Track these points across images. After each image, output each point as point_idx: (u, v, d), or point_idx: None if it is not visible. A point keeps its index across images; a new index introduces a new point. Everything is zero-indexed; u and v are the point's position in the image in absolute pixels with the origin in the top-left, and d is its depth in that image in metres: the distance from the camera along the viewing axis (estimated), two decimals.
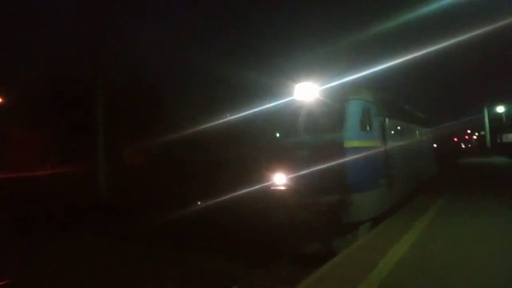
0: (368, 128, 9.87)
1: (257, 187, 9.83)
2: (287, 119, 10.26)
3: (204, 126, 11.26)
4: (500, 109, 38.00)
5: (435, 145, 21.90)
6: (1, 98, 24.84)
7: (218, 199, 10.62)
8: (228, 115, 10.87)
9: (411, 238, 6.98)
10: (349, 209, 8.91)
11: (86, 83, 22.38)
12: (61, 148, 24.84)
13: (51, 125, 25.01)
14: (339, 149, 9.07)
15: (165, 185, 14.14)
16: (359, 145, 9.44)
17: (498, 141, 37.52)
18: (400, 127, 12.83)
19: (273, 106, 10.30)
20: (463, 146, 74.63)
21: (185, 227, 11.11)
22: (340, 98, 9.60)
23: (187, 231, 11.01)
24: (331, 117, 9.57)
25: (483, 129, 39.28)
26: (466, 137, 76.51)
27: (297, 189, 9.26)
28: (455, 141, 64.35)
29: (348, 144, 9.15)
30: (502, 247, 6.05)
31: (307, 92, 9.82)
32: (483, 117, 37.51)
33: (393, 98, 13.87)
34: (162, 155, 15.70)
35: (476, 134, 64.13)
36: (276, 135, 10.62)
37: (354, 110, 9.54)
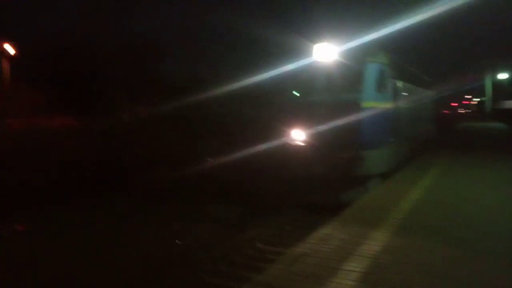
0: (383, 90, 10.51)
1: (275, 142, 10.46)
2: (306, 79, 10.79)
3: (219, 85, 11.71)
4: (503, 76, 38.46)
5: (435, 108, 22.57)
6: (15, 50, 25.17)
7: (234, 155, 11.05)
8: (243, 74, 11.30)
9: (425, 184, 8.51)
10: (362, 164, 9.67)
11: (89, 38, 22.53)
12: (63, 101, 25.10)
13: (57, 79, 25.31)
14: (356, 108, 9.70)
15: (174, 141, 14.54)
16: (374, 106, 10.10)
17: (497, 107, 38.22)
18: (408, 90, 13.44)
19: (293, 67, 10.78)
20: (462, 111, 75.13)
21: (196, 183, 11.53)
22: (358, 60, 10.12)
23: (199, 186, 11.41)
24: (350, 78, 10.13)
25: (483, 95, 39.85)
26: (465, 102, 76.99)
27: (314, 144, 9.95)
28: (453, 105, 64.84)
29: (365, 104, 9.78)
30: (492, 189, 7.93)
31: (326, 53, 10.31)
32: (483, 82, 37.97)
33: (403, 61, 14.39)
34: (172, 111, 16.01)
35: (476, 100, 64.73)
36: (295, 94, 11.19)
37: (371, 72, 10.11)
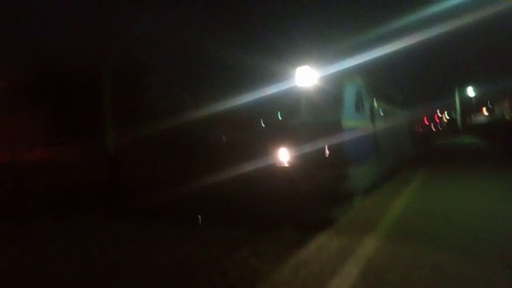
0: (361, 110, 11.14)
1: (262, 165, 10.88)
2: (289, 102, 11.34)
3: (202, 112, 12.16)
4: (470, 92, 40.39)
5: (410, 126, 23.50)
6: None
7: (223, 177, 11.39)
8: (227, 99, 11.74)
9: (408, 196, 9.22)
10: (346, 181, 10.16)
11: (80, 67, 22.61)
12: (51, 131, 24.88)
13: (44, 109, 25.07)
14: (338, 128, 10.26)
15: (164, 165, 14.82)
16: (354, 125, 10.70)
17: (468, 122, 39.87)
18: (385, 109, 14.16)
19: (276, 90, 11.32)
20: (433, 128, 77.26)
21: (188, 204, 11.81)
22: (337, 84, 10.76)
23: (191, 207, 11.66)
24: (330, 101, 10.72)
25: (453, 110, 41.55)
26: (437, 119, 79.34)
27: (299, 165, 10.41)
28: (426, 123, 66.70)
29: (346, 124, 10.36)
30: (472, 201, 8.27)
31: (307, 77, 10.91)
32: (454, 100, 39.67)
33: (378, 82, 15.17)
34: (157, 139, 16.30)
35: (446, 116, 66.80)
36: (279, 117, 11.69)
37: (349, 94, 10.75)
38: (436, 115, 70.99)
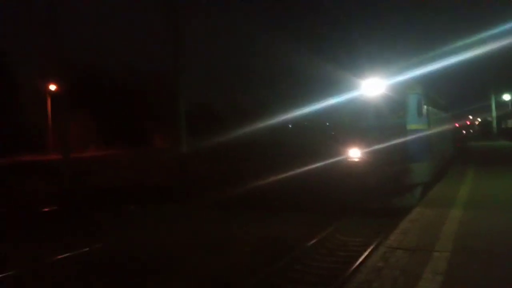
0: (421, 115, 13.16)
1: (336, 159, 12.98)
2: (360, 108, 13.40)
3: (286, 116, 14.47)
4: (507, 97, 41.52)
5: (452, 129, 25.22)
6: (56, 86, 27.47)
7: (303, 170, 13.52)
8: (304, 107, 13.84)
9: (468, 187, 11.36)
10: (409, 175, 12.16)
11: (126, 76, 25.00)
12: (105, 133, 27.02)
13: (97, 113, 27.27)
14: (402, 130, 12.27)
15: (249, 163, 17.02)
16: (416, 128, 12.70)
17: (503, 126, 40.96)
18: (435, 114, 16.10)
19: (346, 99, 13.40)
20: (464, 131, 77.59)
21: (273, 193, 14.01)
22: (401, 92, 12.78)
23: (275, 196, 13.46)
24: (395, 107, 12.76)
25: (488, 115, 42.71)
26: (468, 122, 79.55)
27: (369, 161, 12.45)
28: (458, 126, 67.44)
29: (410, 127, 12.38)
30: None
31: (374, 87, 12.97)
32: (489, 104, 40.88)
33: (430, 90, 17.09)
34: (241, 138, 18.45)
35: (479, 119, 67.44)
36: (351, 120, 13.74)
37: (412, 102, 12.77)
38: (471, 119, 71.56)
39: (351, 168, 12.53)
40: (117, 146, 24.87)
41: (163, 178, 17.37)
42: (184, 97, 18.68)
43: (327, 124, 13.95)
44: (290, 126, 16.89)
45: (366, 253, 7.32)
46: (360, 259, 6.97)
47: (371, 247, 7.77)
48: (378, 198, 11.72)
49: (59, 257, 7.67)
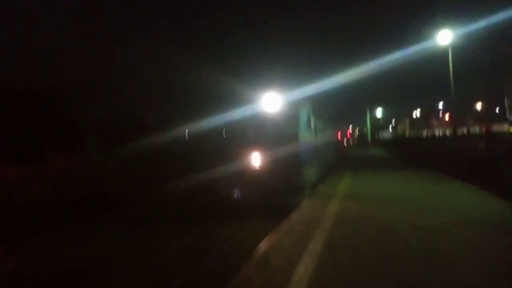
0: (309, 127, 15.56)
1: (236, 167, 14.63)
2: (257, 121, 15.28)
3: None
4: (379, 112, 48.15)
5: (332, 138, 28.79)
6: None
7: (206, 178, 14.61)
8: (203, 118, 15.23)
9: (345, 185, 13.75)
10: (300, 176, 14.33)
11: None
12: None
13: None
14: (295, 139, 14.47)
15: (146, 174, 17.59)
16: (306, 137, 15.04)
17: (376, 137, 47.11)
18: (320, 126, 18.82)
19: (248, 111, 15.20)
20: (345, 141, 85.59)
21: (170, 205, 14.12)
22: (294, 107, 14.98)
23: (173, 207, 13.88)
24: (289, 119, 14.91)
25: (364, 127, 48.88)
26: (348, 135, 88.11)
27: (267, 167, 14.34)
28: (339, 135, 74.49)
29: (301, 136, 14.64)
30: (383, 183, 13.70)
31: (272, 101, 14.97)
32: (365, 118, 46.80)
33: (316, 104, 19.82)
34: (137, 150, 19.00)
35: (358, 131, 75.54)
36: (252, 130, 15.56)
37: (303, 115, 15.09)
38: (348, 130, 79.43)
39: (251, 173, 14.25)
40: (10, 165, 22.99)
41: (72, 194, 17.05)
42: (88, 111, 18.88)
43: (226, 133, 15.36)
44: (186, 137, 17.78)
45: (277, 227, 8.87)
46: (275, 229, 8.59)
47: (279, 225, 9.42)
48: (276, 197, 13.57)
49: None
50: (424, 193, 11.29)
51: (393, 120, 56.07)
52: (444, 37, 21.23)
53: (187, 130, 16.52)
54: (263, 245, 6.62)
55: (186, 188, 14.33)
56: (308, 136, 15.49)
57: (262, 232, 9.32)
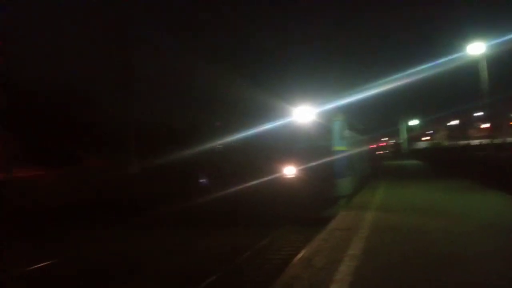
0: (343, 139, 15.67)
1: (271, 177, 14.91)
2: (291, 132, 15.56)
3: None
4: (414, 122, 47.40)
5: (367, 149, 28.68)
6: None
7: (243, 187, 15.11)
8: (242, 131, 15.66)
9: (380, 196, 13.91)
10: (335, 188, 14.44)
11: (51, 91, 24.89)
12: (30, 153, 26.17)
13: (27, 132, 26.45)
14: (330, 151, 14.61)
15: (185, 182, 18.33)
16: (340, 149, 15.14)
17: (411, 147, 46.36)
18: (354, 137, 18.88)
19: (281, 124, 15.48)
20: (381, 151, 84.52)
21: (204, 212, 14.80)
22: (328, 119, 15.16)
23: (207, 214, 14.55)
24: (322, 131, 15.09)
25: (399, 137, 48.22)
26: (384, 143, 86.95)
27: (301, 177, 14.55)
28: (375, 146, 73.65)
29: (336, 148, 14.78)
30: (417, 193, 13.78)
31: (304, 114, 15.24)
32: (401, 127, 46.22)
33: (349, 116, 19.91)
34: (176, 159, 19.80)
35: (392, 141, 74.45)
36: (285, 142, 15.84)
37: (336, 127, 15.23)
38: (384, 141, 78.49)
39: (286, 184, 14.48)
40: (45, 166, 24.21)
41: (110, 196, 17.96)
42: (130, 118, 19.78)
43: (260, 145, 15.64)
44: (219, 146, 18.41)
45: (317, 235, 9.19)
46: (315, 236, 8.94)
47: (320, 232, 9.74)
48: (310, 209, 13.73)
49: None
50: (458, 203, 11.42)
51: (429, 130, 55.32)
52: (477, 47, 21.11)
53: (223, 141, 17.10)
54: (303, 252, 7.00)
55: (222, 197, 14.94)
56: (342, 147, 15.56)
57: (299, 242, 9.81)
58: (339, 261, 5.95)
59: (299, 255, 6.92)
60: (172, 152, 20.46)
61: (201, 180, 18.49)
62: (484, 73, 21.02)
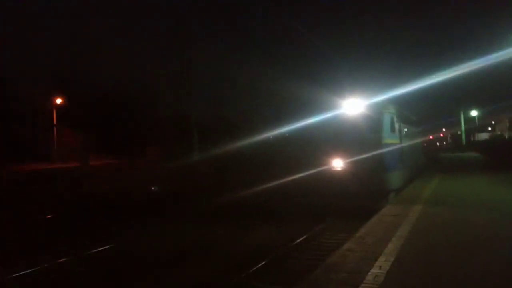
0: (394, 131, 15.39)
1: (320, 168, 14.93)
2: (341, 125, 15.47)
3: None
4: (474, 113, 45.01)
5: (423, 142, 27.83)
6: (62, 99, 29.14)
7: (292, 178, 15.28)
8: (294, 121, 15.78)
9: (432, 187, 14.09)
10: (384, 182, 14.25)
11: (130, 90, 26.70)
12: (102, 144, 28.30)
13: (98, 126, 28.67)
14: (378, 144, 14.39)
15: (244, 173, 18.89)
16: (390, 142, 14.90)
17: (471, 139, 44.18)
18: (407, 129, 18.43)
19: (331, 116, 15.41)
20: (438, 143, 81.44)
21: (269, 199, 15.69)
22: (377, 112, 14.93)
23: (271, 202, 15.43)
24: (372, 124, 14.87)
25: (458, 128, 46.05)
26: (441, 135, 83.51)
27: (350, 170, 14.47)
28: (431, 138, 71.10)
29: (385, 141, 14.56)
30: (472, 187, 13.41)
31: (353, 106, 15.09)
32: (459, 119, 44.16)
33: (402, 107, 19.44)
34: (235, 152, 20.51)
35: (451, 133, 71.36)
36: (334, 134, 15.77)
37: (386, 119, 14.99)
38: (442, 133, 75.37)
39: (334, 177, 14.49)
40: (115, 157, 26.23)
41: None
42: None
43: (309, 137, 15.65)
44: (270, 137, 18.70)
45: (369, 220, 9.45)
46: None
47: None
48: (358, 201, 13.63)
49: None
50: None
51: (491, 121, 52.21)
52: None
53: (273, 134, 17.37)
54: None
55: (273, 189, 15.25)
56: (393, 140, 15.32)
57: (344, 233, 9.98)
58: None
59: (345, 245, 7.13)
60: (227, 144, 21.11)
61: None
62: None
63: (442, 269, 5.47)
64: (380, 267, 5.57)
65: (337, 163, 14.65)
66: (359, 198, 13.41)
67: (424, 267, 5.58)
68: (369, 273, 5.37)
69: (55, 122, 26.89)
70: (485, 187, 13.85)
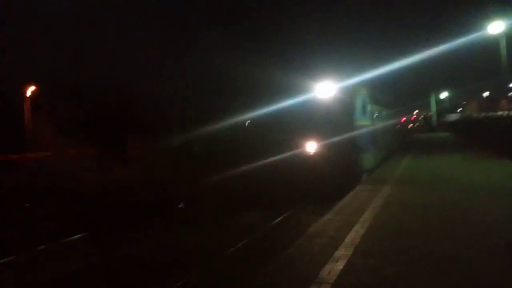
0: (366, 113, 15.63)
1: (295, 151, 15.00)
2: (314, 108, 15.54)
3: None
4: (444, 95, 46.17)
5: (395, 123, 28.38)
6: (36, 86, 28.00)
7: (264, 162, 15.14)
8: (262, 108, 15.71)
9: (403, 165, 14.50)
10: (357, 163, 14.50)
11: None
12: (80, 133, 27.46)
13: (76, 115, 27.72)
14: (351, 126, 14.59)
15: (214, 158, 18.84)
16: (362, 124, 15.12)
17: (441, 120, 45.33)
18: (379, 111, 18.75)
19: (303, 100, 15.44)
20: (411, 125, 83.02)
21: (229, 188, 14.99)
22: (349, 94, 15.08)
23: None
24: (345, 106, 15.01)
25: (430, 110, 47.18)
26: (414, 116, 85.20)
27: (323, 153, 14.60)
28: (404, 120, 72.39)
29: (357, 123, 14.77)
30: (442, 165, 14.10)
31: (326, 89, 15.16)
32: (429, 101, 45.17)
33: (373, 90, 19.70)
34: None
35: (423, 114, 72.88)
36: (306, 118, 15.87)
37: (358, 102, 15.19)
38: (415, 114, 76.99)
39: (308, 159, 14.62)
40: (93, 146, 25.47)
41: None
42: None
43: (283, 121, 15.67)
44: (246, 124, 18.66)
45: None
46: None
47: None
48: (332, 182, 13.72)
49: None
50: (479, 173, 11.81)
51: (460, 102, 53.72)
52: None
53: (247, 118, 17.39)
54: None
55: (245, 174, 15.14)
56: (365, 122, 15.53)
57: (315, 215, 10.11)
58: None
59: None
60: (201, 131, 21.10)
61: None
62: None
63: (407, 233, 6.24)
64: (356, 232, 6.44)
65: (311, 146, 14.77)
66: (333, 179, 13.54)
67: (393, 231, 6.44)
68: (347, 237, 6.15)
69: (27, 109, 26.33)
70: (449, 164, 14.83)
